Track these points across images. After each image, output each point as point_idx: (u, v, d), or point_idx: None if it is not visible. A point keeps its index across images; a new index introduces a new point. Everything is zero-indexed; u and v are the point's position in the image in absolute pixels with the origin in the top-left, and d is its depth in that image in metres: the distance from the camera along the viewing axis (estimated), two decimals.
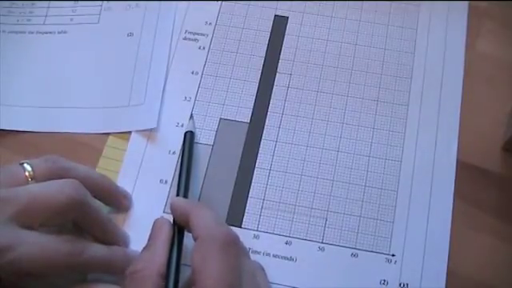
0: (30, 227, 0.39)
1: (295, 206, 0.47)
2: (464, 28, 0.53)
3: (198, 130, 0.50)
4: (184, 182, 0.46)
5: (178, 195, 0.45)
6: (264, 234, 0.47)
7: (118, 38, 0.54)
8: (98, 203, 0.45)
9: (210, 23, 0.55)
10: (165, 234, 0.42)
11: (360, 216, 0.47)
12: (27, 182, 0.42)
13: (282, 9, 0.55)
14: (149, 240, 0.42)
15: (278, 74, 0.52)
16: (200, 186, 0.48)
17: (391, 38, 0.53)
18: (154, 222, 0.43)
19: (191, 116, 0.51)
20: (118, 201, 0.47)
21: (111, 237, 0.44)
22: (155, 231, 0.43)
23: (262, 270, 0.43)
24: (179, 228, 0.43)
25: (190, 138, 0.49)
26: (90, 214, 0.43)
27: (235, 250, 0.39)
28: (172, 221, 0.43)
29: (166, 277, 0.39)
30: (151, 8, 0.55)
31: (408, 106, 0.50)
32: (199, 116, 0.51)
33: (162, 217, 0.44)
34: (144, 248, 0.42)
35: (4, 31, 0.55)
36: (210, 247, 0.39)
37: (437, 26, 0.53)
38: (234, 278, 0.38)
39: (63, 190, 0.41)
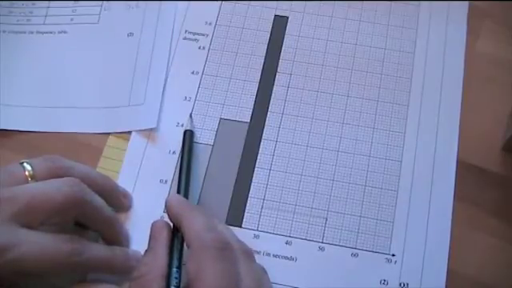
0: (30, 226, 0.39)
1: (295, 205, 0.47)
2: (464, 28, 0.53)
3: (198, 130, 0.50)
4: (184, 180, 0.46)
5: (178, 193, 0.45)
6: (264, 234, 0.47)
7: (118, 38, 0.54)
8: (101, 201, 0.44)
9: (210, 23, 0.55)
10: (164, 236, 0.42)
11: (360, 216, 0.47)
12: (27, 182, 0.42)
13: (282, 9, 0.55)
14: (149, 243, 0.42)
15: (278, 73, 0.52)
16: (200, 186, 0.48)
17: (391, 37, 0.53)
18: (153, 225, 0.43)
19: (190, 115, 0.51)
20: (118, 200, 0.47)
21: (113, 235, 0.44)
22: (155, 234, 0.42)
23: (265, 272, 0.43)
24: (177, 228, 0.42)
25: (189, 136, 0.49)
26: (90, 212, 0.42)
27: (229, 254, 0.39)
28: (170, 220, 0.43)
29: (167, 280, 0.39)
30: (151, 8, 0.55)
31: (408, 106, 0.50)
32: (199, 116, 0.51)
33: (161, 218, 0.44)
34: (146, 251, 0.42)
35: (4, 31, 0.55)
36: (203, 255, 0.39)
37: (437, 25, 0.53)
38: (230, 282, 0.38)
39: (62, 189, 0.41)
